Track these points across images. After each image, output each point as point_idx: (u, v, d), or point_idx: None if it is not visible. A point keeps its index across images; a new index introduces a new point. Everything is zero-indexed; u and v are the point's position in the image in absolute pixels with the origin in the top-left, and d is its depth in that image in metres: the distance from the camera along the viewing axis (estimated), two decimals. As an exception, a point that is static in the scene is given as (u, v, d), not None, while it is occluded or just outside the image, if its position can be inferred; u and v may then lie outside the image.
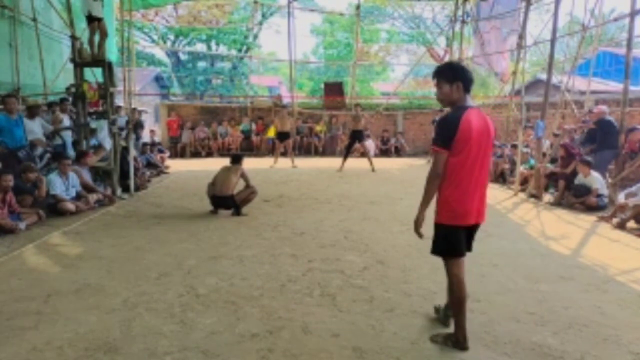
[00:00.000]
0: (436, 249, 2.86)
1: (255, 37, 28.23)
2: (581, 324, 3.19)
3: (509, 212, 7.07)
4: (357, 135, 11.81)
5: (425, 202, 2.78)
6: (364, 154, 12.35)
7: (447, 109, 2.94)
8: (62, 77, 9.98)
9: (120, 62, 12.16)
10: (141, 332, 3.03)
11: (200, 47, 27.51)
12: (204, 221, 6.22)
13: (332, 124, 16.76)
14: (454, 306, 2.88)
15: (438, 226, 2.82)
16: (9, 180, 5.62)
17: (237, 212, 6.50)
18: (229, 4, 22.75)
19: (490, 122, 2.80)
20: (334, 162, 12.47)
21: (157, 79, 24.38)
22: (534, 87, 18.05)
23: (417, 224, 2.82)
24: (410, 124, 16.84)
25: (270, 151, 15.54)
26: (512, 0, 13.13)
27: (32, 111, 7.44)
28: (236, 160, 6.72)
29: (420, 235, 2.83)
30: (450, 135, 2.65)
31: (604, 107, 8.10)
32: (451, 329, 2.96)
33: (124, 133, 8.51)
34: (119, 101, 10.46)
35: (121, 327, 3.09)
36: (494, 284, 3.94)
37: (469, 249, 2.94)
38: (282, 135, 12.62)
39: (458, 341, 2.84)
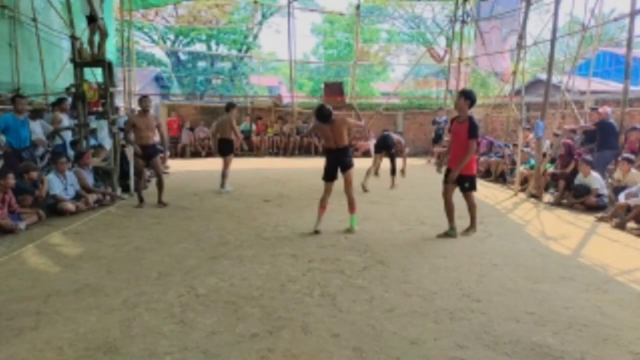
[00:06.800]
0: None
1: (255, 37, 28.23)
2: (581, 324, 3.20)
3: (509, 212, 7.07)
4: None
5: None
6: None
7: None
8: (62, 77, 9.95)
9: (120, 62, 12.16)
10: (141, 332, 3.03)
11: (200, 47, 27.49)
12: (204, 221, 6.22)
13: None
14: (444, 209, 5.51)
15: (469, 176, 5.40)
16: (11, 179, 5.64)
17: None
18: (229, 4, 22.71)
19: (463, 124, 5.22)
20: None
21: (157, 79, 24.36)
22: (534, 87, 18.04)
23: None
24: (410, 124, 16.83)
25: (270, 150, 15.59)
26: (512, 0, 13.10)
27: (35, 113, 7.44)
28: (227, 108, 8.34)
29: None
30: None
31: (608, 110, 8.05)
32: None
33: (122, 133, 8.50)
34: (119, 101, 10.45)
35: (121, 327, 3.09)
36: (494, 284, 3.94)
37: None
38: (221, 144, 8.51)
39: (472, 228, 5.57)
